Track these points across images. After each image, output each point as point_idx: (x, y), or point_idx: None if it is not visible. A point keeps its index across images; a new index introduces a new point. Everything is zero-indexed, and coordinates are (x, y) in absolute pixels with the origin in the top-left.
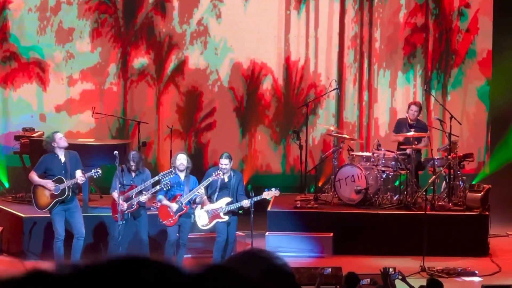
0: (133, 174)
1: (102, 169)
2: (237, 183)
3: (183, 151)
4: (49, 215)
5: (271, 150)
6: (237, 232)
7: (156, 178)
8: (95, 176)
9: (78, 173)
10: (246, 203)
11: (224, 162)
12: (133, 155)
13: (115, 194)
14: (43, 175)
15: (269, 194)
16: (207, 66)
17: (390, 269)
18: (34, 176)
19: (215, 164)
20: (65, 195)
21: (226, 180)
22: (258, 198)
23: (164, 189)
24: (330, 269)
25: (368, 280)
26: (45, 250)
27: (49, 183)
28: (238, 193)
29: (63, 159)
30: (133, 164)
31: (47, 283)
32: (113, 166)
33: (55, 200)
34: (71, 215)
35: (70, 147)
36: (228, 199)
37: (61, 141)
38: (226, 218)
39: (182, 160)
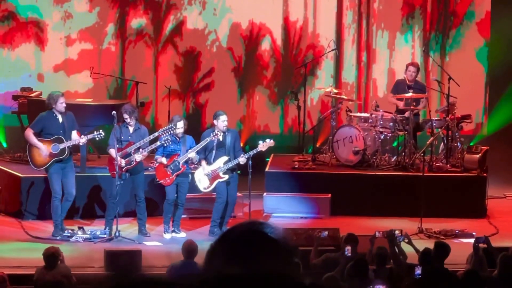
0: (131, 130)
1: (100, 129)
2: (233, 141)
3: (179, 115)
4: (46, 175)
5: (269, 110)
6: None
7: (156, 133)
8: (97, 138)
9: (74, 134)
10: (242, 160)
11: (226, 119)
12: (125, 108)
13: (112, 151)
14: (39, 134)
15: (264, 146)
16: (206, 26)
17: (397, 231)
18: (30, 134)
19: (213, 125)
20: (64, 154)
21: (221, 139)
22: (254, 151)
23: (165, 144)
24: (326, 233)
25: (381, 232)
26: (42, 210)
27: (43, 147)
28: (235, 150)
29: (60, 119)
30: (127, 117)
31: None
32: (111, 126)
33: (53, 160)
34: (65, 175)
35: (68, 107)
36: (225, 158)
37: (60, 105)
38: (226, 177)
39: (180, 129)
